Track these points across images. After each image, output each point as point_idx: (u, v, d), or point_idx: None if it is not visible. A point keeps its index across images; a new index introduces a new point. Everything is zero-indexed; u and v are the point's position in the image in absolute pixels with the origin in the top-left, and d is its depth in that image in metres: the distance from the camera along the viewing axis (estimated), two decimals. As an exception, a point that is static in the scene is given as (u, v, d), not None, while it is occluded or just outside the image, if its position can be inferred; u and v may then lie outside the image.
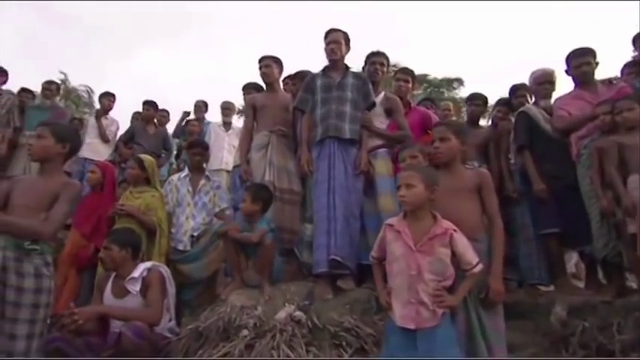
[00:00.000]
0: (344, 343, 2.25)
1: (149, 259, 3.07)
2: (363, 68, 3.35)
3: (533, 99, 3.43)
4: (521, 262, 3.23)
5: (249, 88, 4.00)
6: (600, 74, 3.24)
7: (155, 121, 5.26)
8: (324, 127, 2.96)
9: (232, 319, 2.38)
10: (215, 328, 2.38)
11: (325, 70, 3.17)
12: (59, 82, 13.12)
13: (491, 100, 3.99)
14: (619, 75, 3.53)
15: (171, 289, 2.85)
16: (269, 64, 3.46)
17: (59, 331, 2.30)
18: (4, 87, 4.92)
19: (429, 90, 13.74)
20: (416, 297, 1.78)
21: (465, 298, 1.89)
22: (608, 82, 3.20)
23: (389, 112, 3.23)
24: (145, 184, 3.33)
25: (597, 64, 3.12)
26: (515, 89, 3.54)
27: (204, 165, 3.76)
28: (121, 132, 5.18)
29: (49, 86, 4.99)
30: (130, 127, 5.14)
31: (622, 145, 2.62)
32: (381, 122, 3.21)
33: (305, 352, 2.18)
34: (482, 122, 4.10)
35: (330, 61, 3.14)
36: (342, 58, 3.15)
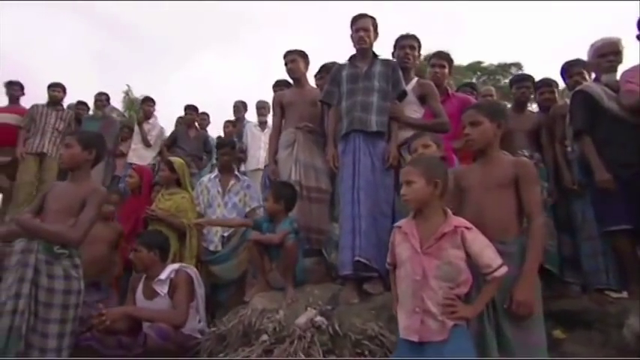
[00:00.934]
0: (366, 352, 2.07)
1: (181, 261, 3.11)
2: (393, 54, 3.11)
3: (593, 76, 2.97)
4: (583, 263, 2.83)
5: (279, 85, 3.92)
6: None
7: (196, 124, 5.40)
8: (349, 120, 2.78)
9: (252, 323, 2.30)
10: (236, 332, 2.32)
11: (352, 59, 2.99)
12: (123, 94, 14.18)
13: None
14: None
15: (200, 290, 2.84)
16: (294, 58, 3.34)
17: (89, 331, 2.38)
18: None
19: (482, 79, 12.88)
20: (421, 305, 1.56)
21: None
22: None
23: (423, 99, 2.98)
24: (175, 186, 3.38)
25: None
26: (568, 67, 3.10)
27: (234, 165, 3.74)
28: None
29: (100, 97, 5.32)
30: (172, 132, 5.32)
31: None
32: (414, 111, 2.97)
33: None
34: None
35: (358, 49, 2.95)
36: (371, 45, 2.95)
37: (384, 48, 3.09)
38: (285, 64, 3.37)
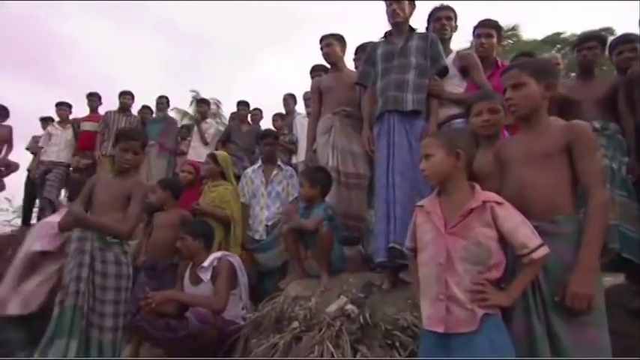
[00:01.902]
0: (397, 344, 1.94)
1: (226, 249, 3.20)
2: (427, 28, 2.88)
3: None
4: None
5: (316, 71, 3.85)
6: None
7: (249, 119, 5.55)
8: (384, 101, 2.63)
9: (285, 310, 2.29)
10: (269, 319, 2.33)
11: (387, 35, 2.83)
12: (191, 98, 15.16)
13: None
14: None
15: (243, 278, 2.90)
16: (330, 42, 3.25)
17: (138, 313, 2.55)
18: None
19: (562, 51, 11.51)
20: (445, 292, 1.38)
21: (526, 297, 1.41)
22: None
23: (465, 72, 2.72)
24: (220, 178, 3.49)
25: None
26: None
27: (276, 155, 3.76)
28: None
29: (161, 100, 5.70)
30: (226, 128, 5.53)
31: None
32: (456, 85, 2.73)
33: (350, 350, 1.94)
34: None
35: (392, 24, 2.77)
36: (406, 19, 2.75)
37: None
38: (321, 49, 3.29)
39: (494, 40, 2.97)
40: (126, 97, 5.60)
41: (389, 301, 2.18)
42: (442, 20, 2.79)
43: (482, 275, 1.37)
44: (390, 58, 2.71)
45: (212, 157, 3.52)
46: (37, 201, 5.65)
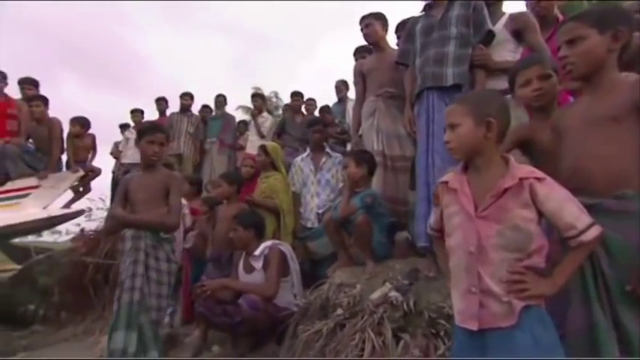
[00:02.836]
0: (441, 333, 1.84)
1: (279, 238, 3.29)
2: None
3: None
4: None
5: (360, 52, 3.74)
6: None
7: (303, 110, 5.59)
8: (422, 78, 2.49)
9: (330, 297, 2.30)
10: (315, 306, 2.35)
11: (426, 8, 2.65)
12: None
13: None
14: None
15: (295, 265, 2.97)
16: (370, 22, 3.13)
17: (196, 300, 2.73)
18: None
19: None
20: (477, 285, 1.20)
21: (586, 284, 1.23)
22: None
23: (518, 35, 2.46)
24: (271, 169, 3.57)
25: None
26: None
27: (325, 143, 3.75)
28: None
29: (219, 98, 5.97)
30: (281, 119, 5.63)
31: None
32: (510, 51, 2.50)
33: (393, 338, 1.89)
34: None
35: None
36: None
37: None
38: (361, 30, 3.18)
39: (553, -4, 2.63)
40: (185, 98, 5.94)
41: (435, 288, 2.08)
42: None
43: (522, 263, 1.19)
44: (428, 31, 2.55)
45: (262, 148, 3.62)
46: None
